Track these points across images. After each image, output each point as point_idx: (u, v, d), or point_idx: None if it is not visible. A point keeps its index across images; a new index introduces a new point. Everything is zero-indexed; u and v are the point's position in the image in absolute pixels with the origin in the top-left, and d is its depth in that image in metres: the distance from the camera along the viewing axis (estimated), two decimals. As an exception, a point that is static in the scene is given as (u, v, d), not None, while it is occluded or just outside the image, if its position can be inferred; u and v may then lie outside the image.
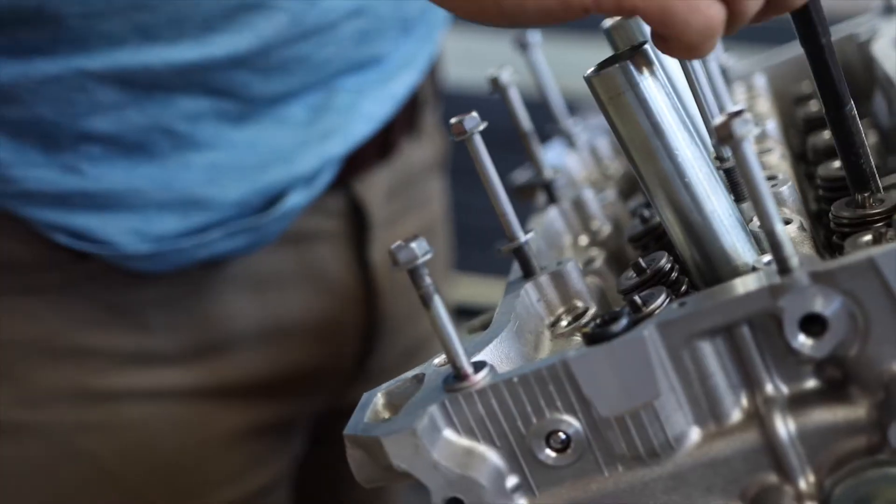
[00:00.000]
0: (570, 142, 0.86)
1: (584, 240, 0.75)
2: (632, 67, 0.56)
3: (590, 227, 0.76)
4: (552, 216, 0.75)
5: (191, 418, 0.92)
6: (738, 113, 0.50)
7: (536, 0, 0.53)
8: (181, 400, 0.91)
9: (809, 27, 0.60)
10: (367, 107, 0.93)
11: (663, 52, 0.56)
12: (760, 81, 0.86)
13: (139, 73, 0.82)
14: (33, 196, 0.84)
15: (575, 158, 0.85)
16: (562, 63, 0.92)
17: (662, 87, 0.57)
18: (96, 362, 0.89)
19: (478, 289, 1.86)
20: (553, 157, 0.84)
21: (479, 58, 1.76)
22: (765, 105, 0.81)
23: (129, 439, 0.90)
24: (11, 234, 0.85)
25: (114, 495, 0.91)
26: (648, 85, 0.56)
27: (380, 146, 0.97)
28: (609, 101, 0.57)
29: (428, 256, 0.55)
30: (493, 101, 1.46)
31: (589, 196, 0.76)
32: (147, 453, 0.90)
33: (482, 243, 0.99)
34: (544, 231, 0.73)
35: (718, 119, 0.50)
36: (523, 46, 0.83)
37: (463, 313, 1.23)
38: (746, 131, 0.49)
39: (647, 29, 0.67)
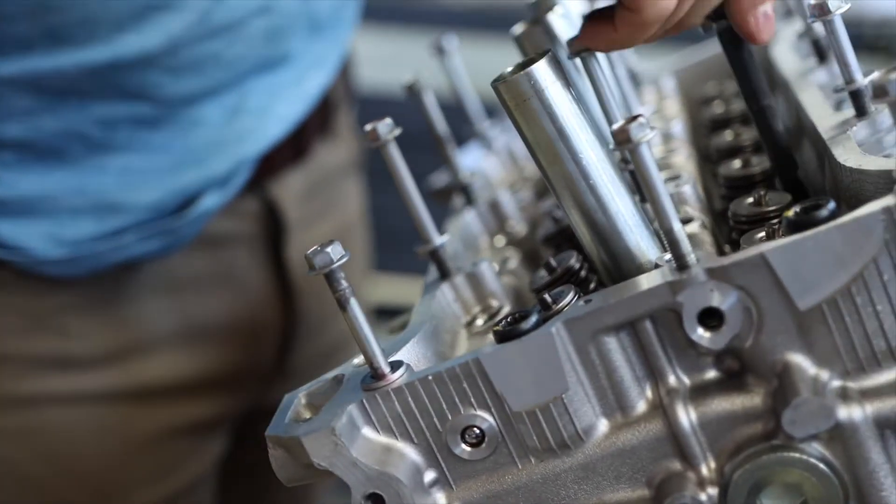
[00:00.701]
0: (487, 144, 0.88)
1: (500, 240, 0.77)
2: (536, 74, 0.58)
3: (506, 228, 0.78)
4: (469, 218, 0.77)
5: (112, 421, 0.92)
6: (635, 118, 0.52)
7: None
8: (101, 403, 0.91)
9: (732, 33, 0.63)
10: (280, 108, 0.94)
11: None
12: (669, 84, 0.88)
13: (52, 77, 0.82)
14: None
15: (493, 161, 0.87)
16: (478, 67, 0.94)
17: (567, 93, 0.58)
18: (14, 368, 0.89)
19: (397, 289, 1.87)
20: (470, 159, 0.85)
21: (393, 61, 1.78)
22: (673, 107, 0.84)
23: (50, 444, 0.90)
24: None
25: (34, 500, 0.91)
26: (553, 91, 0.58)
27: (293, 148, 0.98)
28: (515, 107, 0.59)
29: (343, 260, 0.56)
30: (410, 103, 1.48)
31: (505, 198, 0.78)
32: (68, 457, 0.91)
33: (401, 244, 1.01)
34: (461, 233, 0.75)
35: (616, 124, 0.52)
36: (440, 52, 0.85)
37: (383, 313, 1.25)
38: (643, 135, 0.52)
39: (559, 34, 0.69)
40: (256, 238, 0.98)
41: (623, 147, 0.52)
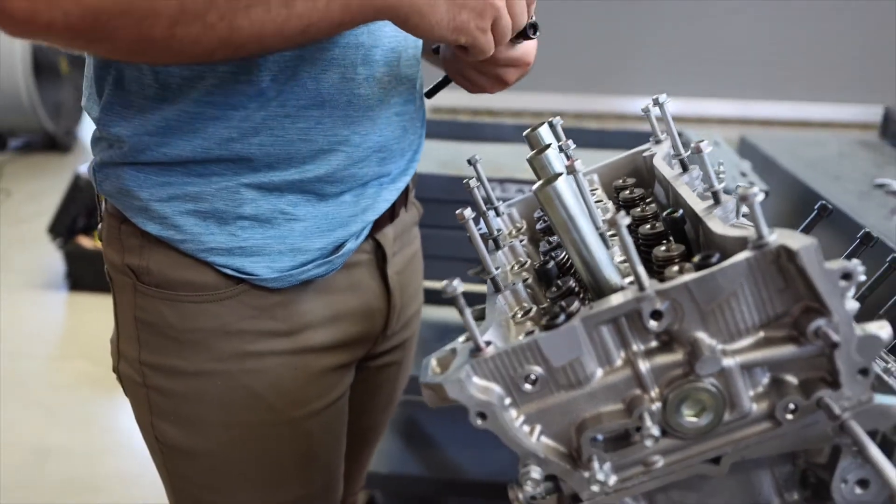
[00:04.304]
0: (496, 212, 0.93)
1: (516, 268, 0.82)
2: (558, 187, 0.63)
3: (519, 260, 0.83)
4: (500, 255, 0.82)
5: (298, 364, 0.96)
6: (618, 210, 0.58)
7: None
8: (292, 355, 0.96)
9: None
10: (385, 195, 0.99)
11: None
12: (595, 178, 0.94)
13: (265, 184, 0.87)
14: (213, 250, 0.88)
15: (500, 221, 0.92)
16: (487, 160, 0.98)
17: (574, 194, 0.64)
18: (249, 336, 0.92)
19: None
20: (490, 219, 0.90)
21: (437, 158, 1.83)
22: (600, 192, 0.90)
23: (269, 377, 0.94)
24: (203, 271, 0.90)
25: (262, 409, 0.95)
26: (566, 195, 0.63)
27: (391, 214, 1.03)
28: (545, 203, 0.64)
29: (461, 289, 0.61)
30: (442, 180, 1.50)
31: (516, 244, 0.84)
32: (277, 384, 0.95)
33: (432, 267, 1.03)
34: (498, 264, 0.80)
35: (608, 215, 0.58)
36: (471, 162, 0.89)
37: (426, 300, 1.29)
38: (625, 221, 0.58)
39: (557, 166, 0.74)
40: (370, 263, 1.03)
41: (612, 226, 0.58)
